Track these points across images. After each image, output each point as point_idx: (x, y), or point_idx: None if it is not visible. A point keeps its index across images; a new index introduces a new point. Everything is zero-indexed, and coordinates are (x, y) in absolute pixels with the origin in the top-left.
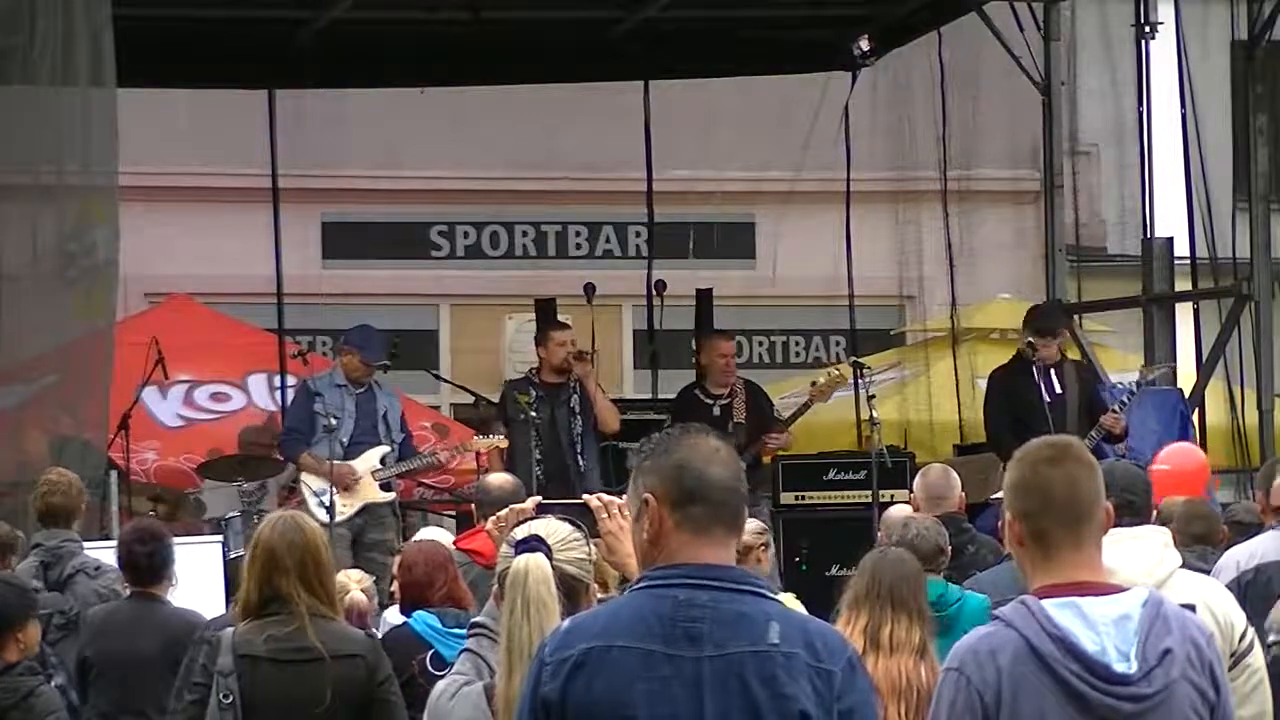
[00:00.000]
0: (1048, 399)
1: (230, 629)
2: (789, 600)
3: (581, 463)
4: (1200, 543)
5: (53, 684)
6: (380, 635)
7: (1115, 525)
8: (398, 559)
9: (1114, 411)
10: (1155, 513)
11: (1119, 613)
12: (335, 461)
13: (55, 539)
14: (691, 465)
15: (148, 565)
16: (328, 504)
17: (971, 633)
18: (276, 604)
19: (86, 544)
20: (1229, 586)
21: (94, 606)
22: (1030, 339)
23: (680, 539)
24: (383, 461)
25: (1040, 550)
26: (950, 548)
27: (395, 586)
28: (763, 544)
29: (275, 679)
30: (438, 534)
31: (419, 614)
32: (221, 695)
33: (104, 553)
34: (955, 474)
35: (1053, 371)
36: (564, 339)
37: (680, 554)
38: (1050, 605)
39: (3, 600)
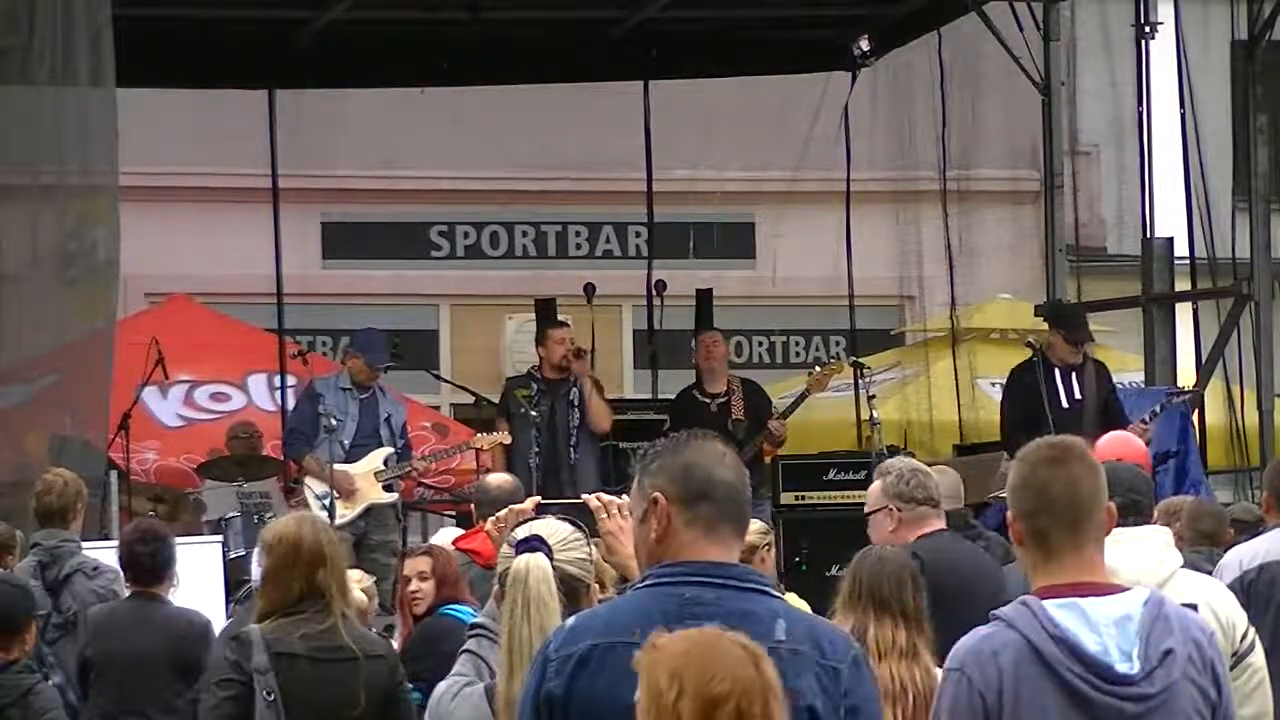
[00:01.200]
0: (1066, 404)
1: (255, 626)
2: (792, 600)
3: (574, 456)
4: (1208, 540)
5: (50, 683)
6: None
7: (1119, 525)
8: (429, 560)
9: (1143, 422)
10: (1161, 509)
11: (1120, 613)
12: (337, 468)
13: (53, 539)
14: (700, 465)
15: (149, 565)
16: (328, 506)
17: (972, 633)
18: (310, 600)
19: (86, 544)
20: (1231, 586)
21: (94, 606)
22: (1049, 340)
23: (688, 537)
24: (385, 463)
25: (1041, 550)
26: None
27: (427, 585)
28: (766, 544)
29: (313, 678)
30: (452, 536)
31: (459, 607)
32: (264, 693)
33: (104, 553)
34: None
35: (1074, 374)
36: (562, 336)
37: (687, 552)
38: (1052, 606)
39: (10, 601)
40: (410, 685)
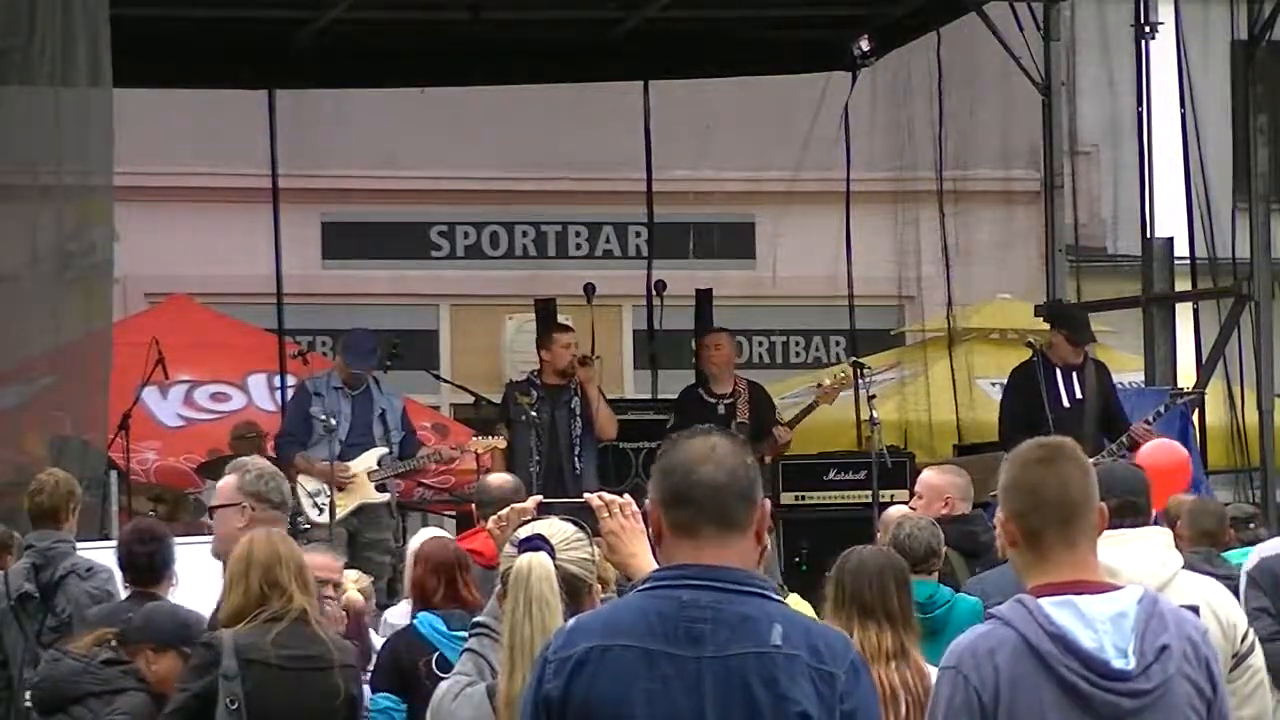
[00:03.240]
0: (1067, 404)
1: (227, 631)
2: (795, 602)
3: (578, 465)
4: (1208, 538)
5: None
6: (383, 635)
7: (1120, 526)
8: (412, 557)
9: (1146, 423)
10: (1165, 510)
11: (1115, 610)
12: (328, 461)
13: (47, 540)
14: (678, 467)
15: (147, 565)
16: (321, 505)
17: (968, 631)
18: (274, 596)
19: (87, 544)
20: (1250, 572)
21: (93, 608)
22: (1047, 340)
23: (672, 541)
24: (380, 463)
25: (1034, 550)
26: (980, 544)
27: (408, 584)
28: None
29: (282, 687)
30: (437, 535)
31: (424, 615)
32: (228, 700)
33: (103, 553)
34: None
35: (1075, 375)
36: (568, 341)
37: (678, 556)
38: (1047, 603)
39: (153, 618)
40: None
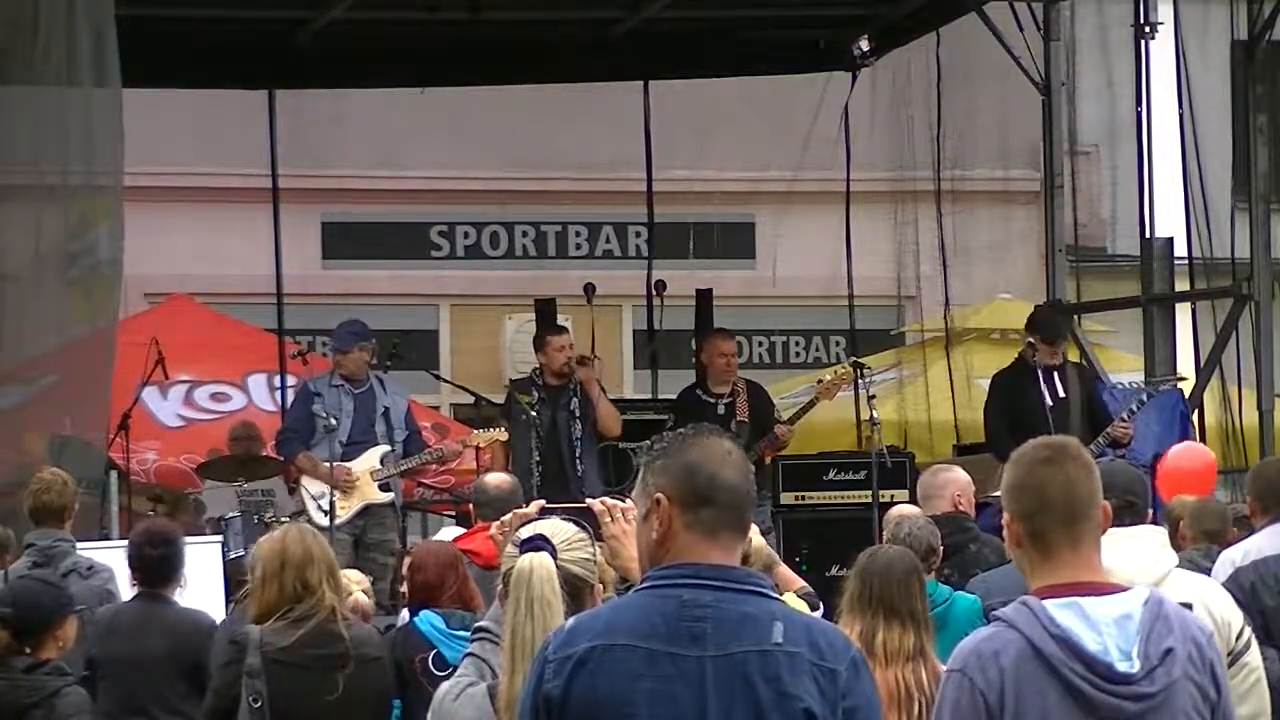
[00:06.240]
0: (1050, 403)
1: (254, 627)
2: (791, 600)
3: (579, 466)
4: (1211, 539)
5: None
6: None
7: (1115, 525)
8: (408, 560)
9: (1122, 420)
10: (1165, 511)
11: (1120, 612)
12: (330, 461)
13: (48, 539)
14: (704, 467)
15: (158, 567)
16: (326, 508)
17: (973, 634)
18: (306, 597)
19: (87, 544)
20: (1226, 585)
21: (102, 607)
22: (1030, 342)
23: (688, 540)
24: (382, 462)
25: (1039, 551)
26: (943, 547)
27: (404, 587)
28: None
29: (304, 685)
30: (453, 534)
31: (425, 614)
32: (250, 697)
33: (101, 553)
34: (950, 473)
35: (1055, 375)
36: (562, 344)
37: (687, 555)
38: (1052, 605)
39: (38, 600)
40: None
